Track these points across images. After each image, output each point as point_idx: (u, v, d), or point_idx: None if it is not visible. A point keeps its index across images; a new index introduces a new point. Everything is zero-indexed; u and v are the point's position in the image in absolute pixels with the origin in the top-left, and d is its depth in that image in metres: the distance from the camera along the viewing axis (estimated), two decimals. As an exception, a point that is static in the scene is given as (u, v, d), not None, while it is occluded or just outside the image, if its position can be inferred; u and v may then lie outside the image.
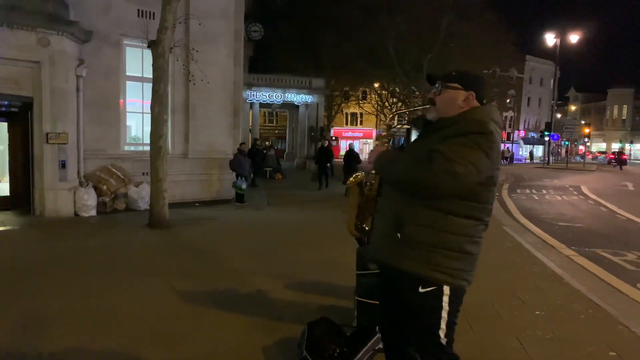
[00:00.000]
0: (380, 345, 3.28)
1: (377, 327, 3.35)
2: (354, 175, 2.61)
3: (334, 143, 17.86)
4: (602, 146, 70.92)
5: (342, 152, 49.31)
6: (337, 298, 4.52)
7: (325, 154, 16.51)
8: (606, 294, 5.03)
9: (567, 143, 49.75)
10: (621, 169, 33.70)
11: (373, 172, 2.35)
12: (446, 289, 2.06)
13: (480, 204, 2.05)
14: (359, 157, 15.64)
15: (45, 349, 3.41)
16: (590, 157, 45.93)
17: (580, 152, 56.93)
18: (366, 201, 2.40)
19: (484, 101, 2.17)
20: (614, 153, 55.84)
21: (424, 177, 1.91)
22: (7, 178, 9.42)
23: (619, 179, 24.26)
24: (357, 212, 2.47)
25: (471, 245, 2.07)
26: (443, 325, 2.09)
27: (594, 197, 15.14)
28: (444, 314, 2.08)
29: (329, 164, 16.30)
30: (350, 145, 16.61)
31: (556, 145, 49.91)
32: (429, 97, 2.21)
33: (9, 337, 3.62)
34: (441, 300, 2.06)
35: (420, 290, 2.05)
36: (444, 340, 2.10)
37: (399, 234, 2.05)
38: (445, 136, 1.99)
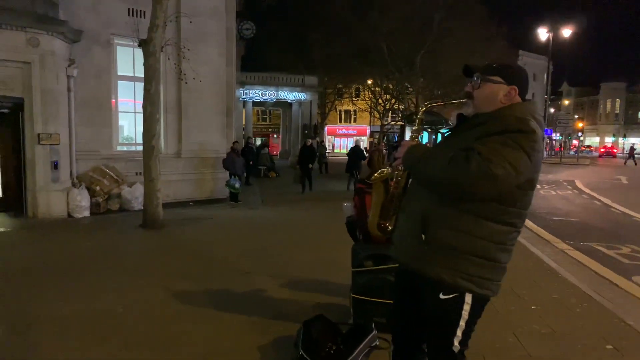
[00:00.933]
0: (377, 343, 3.27)
1: (373, 325, 3.35)
2: (379, 171, 2.45)
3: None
4: (596, 140, 71.35)
5: (337, 150, 49.27)
6: (333, 296, 4.50)
7: (309, 154, 15.05)
8: (601, 287, 5.05)
9: (560, 137, 49.99)
10: (635, 164, 33.28)
11: (400, 168, 2.17)
12: (468, 297, 1.94)
13: (515, 209, 1.90)
14: (364, 154, 15.46)
15: (38, 353, 3.37)
16: (574, 150, 45.67)
17: (572, 147, 57.26)
18: (391, 199, 2.23)
19: (526, 98, 2.02)
20: (605, 147, 56.12)
21: (459, 178, 1.76)
22: (-1, 180, 9.33)
23: (612, 173, 24.41)
24: (381, 211, 2.29)
25: (502, 253, 1.93)
26: (459, 333, 1.98)
27: (588, 191, 15.22)
28: (462, 323, 1.97)
29: (311, 165, 14.91)
30: (357, 142, 16.23)
31: (549, 139, 50.16)
32: (466, 91, 2.05)
33: (1, 340, 3.57)
34: (461, 309, 1.95)
35: (441, 296, 1.94)
36: (456, 348, 2.00)
37: (423, 235, 1.92)
38: (482, 134, 1.84)
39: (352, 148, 15.71)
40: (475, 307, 1.97)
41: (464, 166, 1.74)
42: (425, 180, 1.96)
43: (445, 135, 2.16)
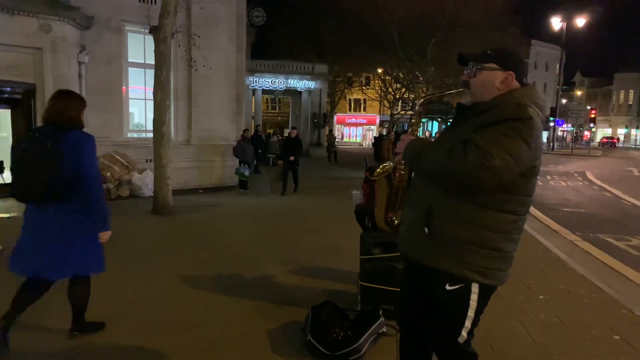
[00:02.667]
0: (384, 329, 3.30)
1: (381, 311, 3.37)
2: (381, 166, 2.39)
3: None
4: (608, 131, 70.41)
5: (346, 139, 49.07)
6: (341, 282, 4.54)
7: (293, 146, 12.23)
8: (610, 278, 5.03)
9: (572, 129, 49.36)
10: None
11: (402, 162, 2.14)
12: (475, 287, 1.92)
13: (520, 197, 1.87)
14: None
15: (51, 336, 3.44)
16: (569, 139, 44.98)
17: (585, 138, 56.49)
18: (396, 192, 2.20)
19: (525, 82, 1.98)
20: (607, 138, 55.69)
21: (459, 171, 1.73)
22: (11, 165, 9.44)
23: (624, 165, 24.13)
24: (387, 205, 2.26)
25: (508, 243, 1.90)
26: (468, 323, 1.97)
27: (598, 182, 15.07)
28: (470, 313, 1.95)
29: (296, 163, 12.04)
30: (381, 132, 16.34)
31: (560, 130, 49.59)
32: (463, 79, 2.02)
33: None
34: (468, 299, 1.93)
35: (447, 287, 1.92)
36: (463, 338, 1.99)
37: (426, 229, 1.90)
38: (481, 124, 1.80)
39: (376, 138, 15.84)
40: (483, 297, 1.95)
41: (462, 159, 1.71)
42: (427, 174, 1.94)
43: (451, 125, 2.11)
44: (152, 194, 8.75)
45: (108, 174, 9.71)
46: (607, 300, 4.33)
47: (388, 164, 2.36)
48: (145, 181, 10.07)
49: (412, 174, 2.17)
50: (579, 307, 4.17)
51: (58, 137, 2.86)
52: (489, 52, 1.97)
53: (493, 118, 1.79)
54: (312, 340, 3.10)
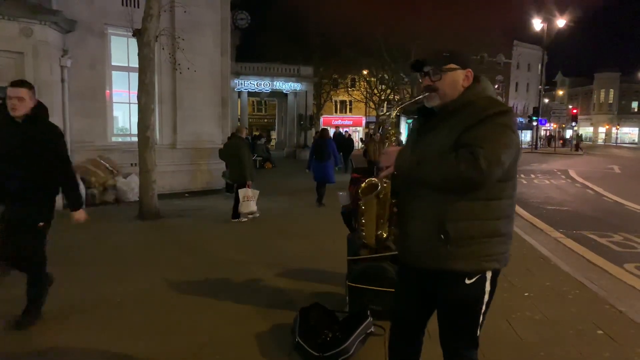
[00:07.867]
0: (372, 329, 3.33)
1: (369, 312, 3.39)
2: (367, 186, 2.22)
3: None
4: (590, 130, 71.55)
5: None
6: (330, 284, 4.55)
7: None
8: (593, 274, 5.13)
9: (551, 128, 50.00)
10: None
11: (385, 178, 2.12)
12: (488, 274, 1.99)
13: (512, 181, 1.99)
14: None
15: (37, 341, 3.40)
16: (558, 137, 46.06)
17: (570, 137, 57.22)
18: (383, 208, 2.15)
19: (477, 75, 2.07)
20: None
21: (473, 175, 1.78)
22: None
23: (605, 163, 24.56)
24: (377, 223, 2.20)
25: (510, 224, 2.02)
26: (484, 309, 2.04)
27: (581, 180, 15.32)
28: (486, 298, 2.02)
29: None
30: (371, 133, 15.97)
31: (545, 130, 50.23)
32: (427, 84, 2.03)
33: (2, 329, 3.60)
34: (484, 287, 1.99)
35: (467, 281, 1.96)
36: (478, 332, 2.08)
37: (442, 235, 1.91)
38: (466, 125, 1.87)
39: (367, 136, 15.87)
40: (493, 281, 2.02)
41: (474, 164, 1.77)
42: (434, 183, 1.92)
43: (419, 129, 2.10)
44: (138, 199, 8.68)
45: (92, 179, 9.59)
46: (590, 296, 4.41)
47: (373, 180, 2.22)
48: (130, 186, 9.98)
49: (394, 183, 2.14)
50: (563, 303, 4.24)
51: (324, 141, 10.07)
52: (445, 54, 2.04)
53: (477, 117, 1.87)
54: (301, 342, 3.11)
